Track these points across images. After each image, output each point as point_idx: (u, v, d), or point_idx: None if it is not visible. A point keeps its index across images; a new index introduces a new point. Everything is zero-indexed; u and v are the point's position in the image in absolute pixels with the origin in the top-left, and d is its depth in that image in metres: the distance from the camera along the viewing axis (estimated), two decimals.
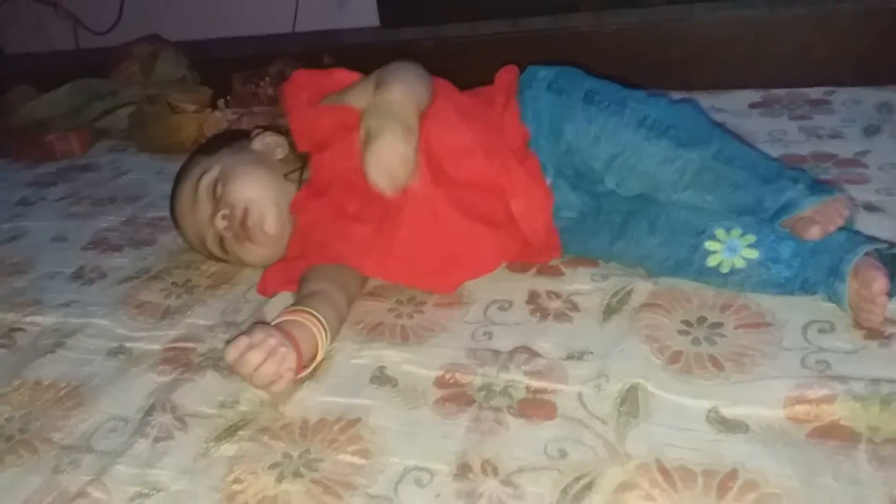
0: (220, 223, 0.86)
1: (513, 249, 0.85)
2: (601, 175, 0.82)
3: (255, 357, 0.66)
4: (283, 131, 0.94)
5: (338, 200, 0.85)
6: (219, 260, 0.93)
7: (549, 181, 0.85)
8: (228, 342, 0.68)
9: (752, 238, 0.74)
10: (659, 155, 0.79)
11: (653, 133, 0.79)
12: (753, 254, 0.74)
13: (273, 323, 0.72)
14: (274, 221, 0.87)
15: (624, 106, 0.81)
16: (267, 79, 1.43)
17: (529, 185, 0.82)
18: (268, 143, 0.93)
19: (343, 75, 0.90)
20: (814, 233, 0.73)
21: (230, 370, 0.69)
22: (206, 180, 0.87)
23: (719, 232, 0.76)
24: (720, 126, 0.90)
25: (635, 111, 0.80)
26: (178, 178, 0.92)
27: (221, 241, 0.88)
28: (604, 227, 0.83)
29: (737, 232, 0.75)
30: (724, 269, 0.75)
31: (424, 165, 0.80)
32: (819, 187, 0.78)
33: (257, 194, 0.87)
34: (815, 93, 1.22)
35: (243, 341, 0.66)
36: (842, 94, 1.20)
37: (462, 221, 0.81)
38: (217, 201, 0.87)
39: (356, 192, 0.83)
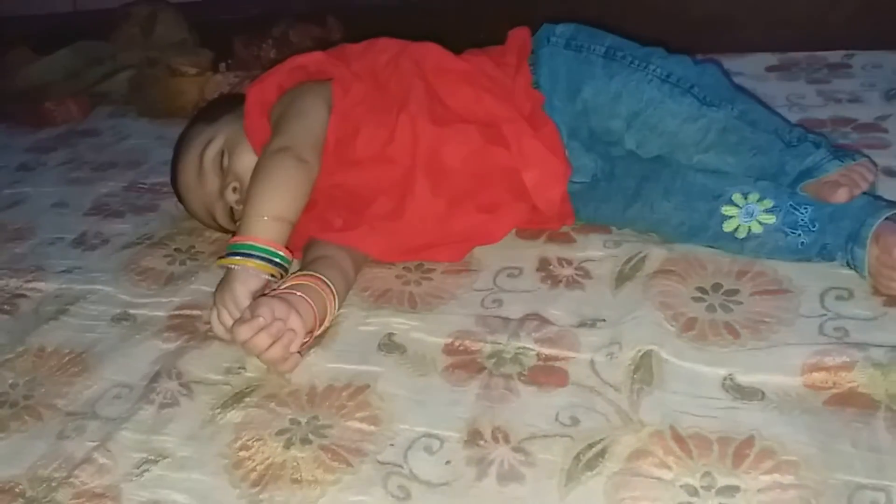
0: (232, 196, 0.83)
1: (523, 218, 0.83)
2: (620, 135, 0.80)
3: (262, 342, 0.65)
4: None
5: (323, 215, 0.82)
6: (226, 231, 0.91)
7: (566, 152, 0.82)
8: (236, 322, 0.67)
9: (769, 203, 0.73)
10: (682, 113, 0.77)
11: (677, 90, 0.77)
12: (770, 219, 0.72)
13: (282, 287, 0.71)
14: None
15: (647, 62, 0.78)
16: (269, 41, 1.39)
17: (545, 155, 0.79)
18: None
19: (290, 72, 0.85)
20: (841, 195, 0.71)
21: (239, 347, 0.68)
22: (211, 152, 0.84)
23: (736, 196, 0.74)
24: (742, 89, 0.88)
25: (659, 67, 0.78)
26: (180, 149, 0.88)
27: (232, 213, 0.85)
28: (617, 193, 0.81)
29: (754, 196, 0.73)
30: (741, 235, 0.73)
31: (423, 177, 0.78)
32: (842, 152, 0.76)
33: None
34: (833, 56, 1.19)
35: (255, 322, 0.64)
36: (861, 58, 1.17)
37: (468, 220, 0.80)
38: (225, 173, 0.84)
39: (341, 205, 0.82)
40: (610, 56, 0.80)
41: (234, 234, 0.86)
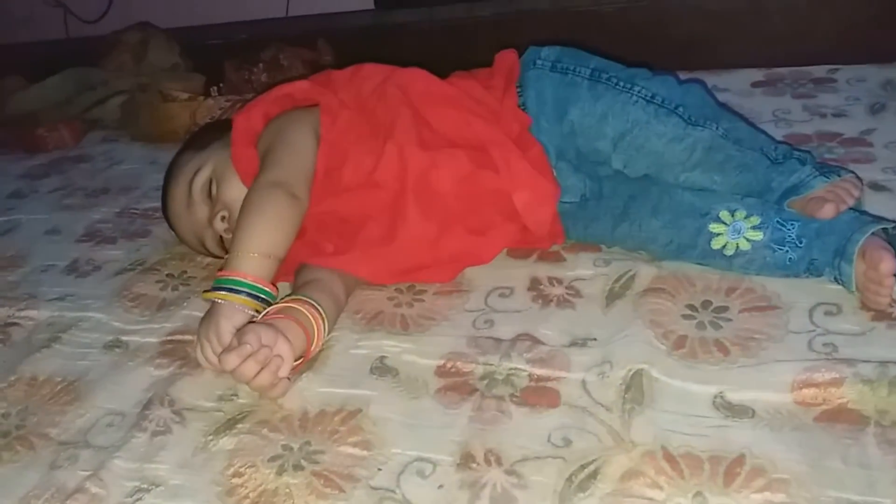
0: (220, 225, 0.83)
1: (514, 239, 0.84)
2: (607, 156, 0.80)
3: (250, 369, 0.65)
4: None
5: (314, 241, 0.82)
6: (216, 257, 0.92)
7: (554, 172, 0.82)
8: (223, 351, 0.67)
9: (756, 220, 0.73)
10: (668, 133, 0.77)
11: (662, 111, 0.78)
12: (758, 235, 0.73)
13: (270, 311, 0.71)
14: None
15: (632, 84, 0.79)
16: (260, 65, 1.41)
17: (534, 177, 0.80)
18: None
19: (276, 101, 0.85)
20: (827, 211, 0.71)
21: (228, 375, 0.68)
22: (200, 180, 0.84)
23: (723, 214, 0.74)
24: (727, 107, 0.89)
25: (644, 89, 0.79)
26: (169, 177, 0.88)
27: (222, 241, 0.85)
28: (605, 212, 0.81)
29: (741, 214, 0.74)
30: (729, 252, 0.73)
31: (413, 201, 0.78)
32: (827, 168, 0.77)
33: None
34: (818, 71, 1.20)
35: (243, 350, 0.65)
36: (846, 72, 1.18)
37: (458, 243, 0.80)
38: (213, 202, 0.84)
39: (331, 231, 0.82)
40: (595, 78, 0.80)
41: (223, 259, 0.86)
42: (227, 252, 0.83)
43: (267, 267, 0.73)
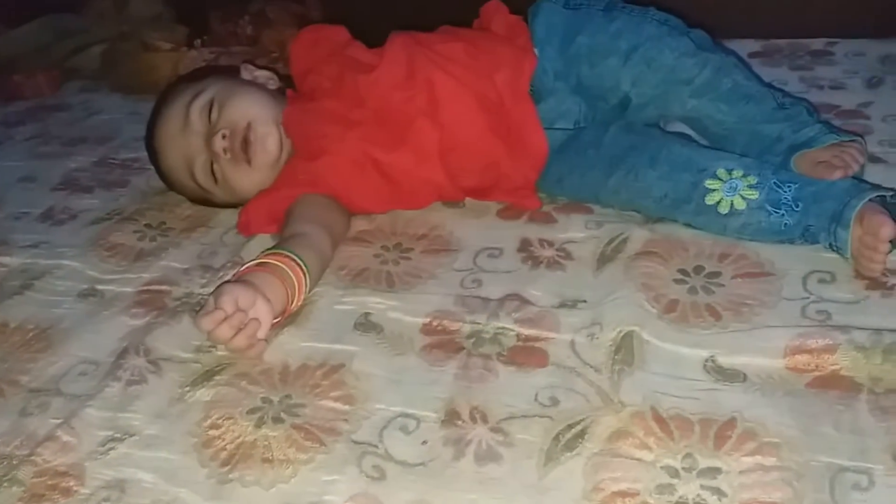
0: (220, 143, 0.82)
1: (499, 136, 0.82)
2: (616, 76, 0.82)
3: (224, 333, 0.63)
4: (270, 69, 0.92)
5: (325, 105, 0.84)
6: (198, 197, 0.89)
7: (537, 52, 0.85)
8: (198, 311, 0.65)
9: (753, 179, 0.72)
10: (680, 47, 0.80)
11: (675, 31, 0.82)
12: (753, 194, 0.71)
13: (251, 264, 0.69)
14: (276, 141, 0.84)
15: (646, 10, 0.83)
16: (246, 17, 1.36)
17: (514, 55, 0.84)
18: (258, 75, 0.90)
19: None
20: (835, 177, 0.72)
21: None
22: (200, 103, 0.83)
23: (720, 171, 0.73)
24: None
25: (657, 15, 0.83)
26: (162, 103, 0.87)
27: (212, 168, 0.84)
28: (602, 159, 0.80)
29: (738, 173, 0.73)
30: (724, 210, 0.72)
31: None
32: (834, 127, 0.80)
33: (260, 113, 0.84)
34: (816, 43, 1.19)
35: (217, 315, 0.62)
36: (844, 46, 1.17)
37: (443, 81, 0.82)
38: (212, 124, 0.83)
39: (344, 98, 0.83)
40: (609, 8, 0.84)
41: (204, 202, 0.89)
42: (214, 181, 0.85)
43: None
